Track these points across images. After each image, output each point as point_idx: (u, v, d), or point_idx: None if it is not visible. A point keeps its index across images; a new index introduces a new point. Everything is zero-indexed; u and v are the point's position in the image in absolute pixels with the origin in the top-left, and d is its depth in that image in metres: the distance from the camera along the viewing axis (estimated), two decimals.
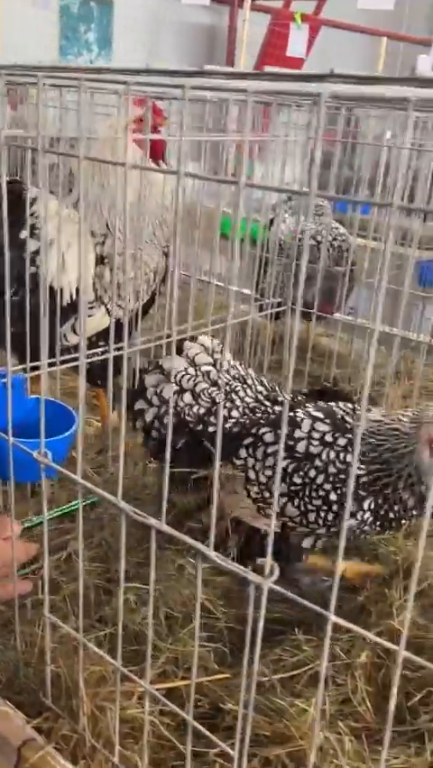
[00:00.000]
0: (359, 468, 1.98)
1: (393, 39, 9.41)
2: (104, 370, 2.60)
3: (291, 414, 2.05)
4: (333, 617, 1.11)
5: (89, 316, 2.67)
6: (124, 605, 2.09)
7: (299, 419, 2.03)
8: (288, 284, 3.32)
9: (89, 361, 2.57)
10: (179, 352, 2.27)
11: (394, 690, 1.06)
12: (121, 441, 1.34)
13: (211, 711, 1.82)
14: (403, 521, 2.07)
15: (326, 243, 3.64)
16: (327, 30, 10.20)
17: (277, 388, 2.25)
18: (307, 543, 2.15)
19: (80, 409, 1.48)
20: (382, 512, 2.03)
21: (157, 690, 1.63)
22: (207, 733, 1.34)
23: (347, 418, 2.07)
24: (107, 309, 2.68)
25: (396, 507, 2.01)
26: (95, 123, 3.09)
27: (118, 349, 2.51)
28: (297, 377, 3.58)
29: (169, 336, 2.62)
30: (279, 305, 3.18)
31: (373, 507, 2.00)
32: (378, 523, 2.05)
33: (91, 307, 2.68)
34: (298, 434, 2.01)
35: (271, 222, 3.96)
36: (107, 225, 2.67)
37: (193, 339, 2.30)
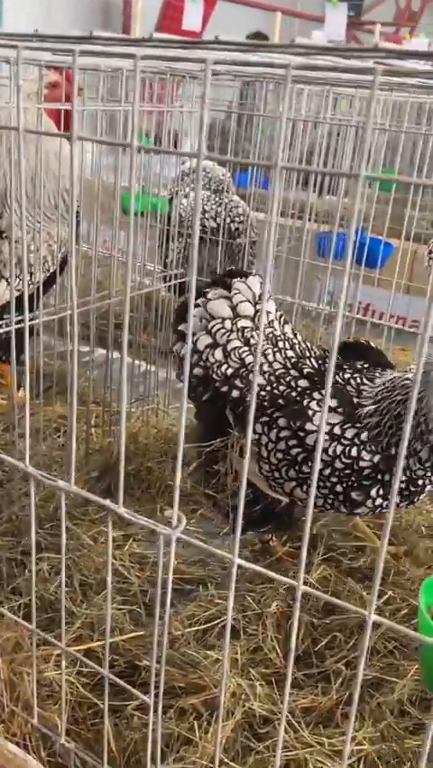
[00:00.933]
0: (365, 456, 1.98)
1: (288, 14, 9.50)
2: (7, 345, 2.56)
3: (304, 404, 2.05)
4: (237, 560, 1.18)
5: None
6: (38, 575, 2.11)
7: (310, 412, 2.03)
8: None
9: None
10: (227, 286, 2.19)
11: (295, 624, 1.13)
12: (26, 412, 1.36)
13: (128, 669, 1.88)
14: (421, 482, 2.02)
15: (223, 218, 3.69)
16: (223, 4, 10.20)
17: (308, 351, 2.20)
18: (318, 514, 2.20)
19: None
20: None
21: (74, 651, 1.67)
22: (124, 684, 1.39)
23: (363, 388, 2.07)
24: (8, 282, 2.65)
25: (411, 462, 1.98)
26: None
27: (20, 322, 2.48)
28: None
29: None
30: (181, 277, 3.22)
31: (382, 492, 2.00)
32: (396, 502, 2.02)
33: None
34: (309, 426, 2.02)
35: (173, 196, 3.98)
36: (3, 198, 2.62)
37: (245, 276, 2.21)
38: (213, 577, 2.28)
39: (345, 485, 2.01)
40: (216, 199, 3.98)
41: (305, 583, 2.16)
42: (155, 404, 3.10)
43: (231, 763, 1.63)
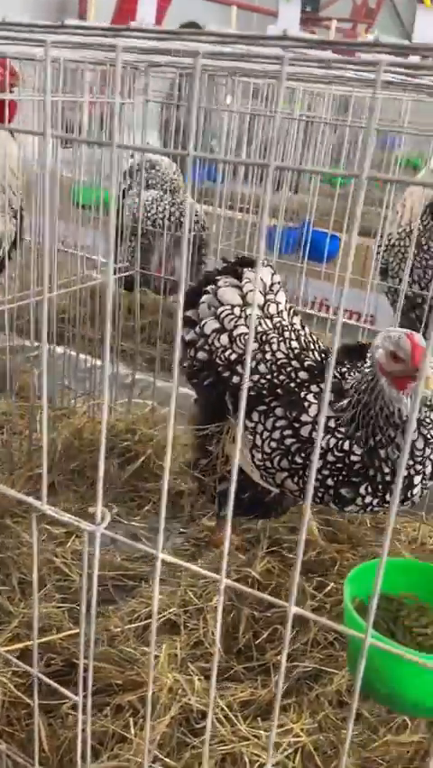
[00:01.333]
0: (357, 450, 1.95)
1: (244, 9, 9.49)
2: None
3: (302, 395, 2.04)
4: (161, 555, 1.16)
5: None
6: None
7: (306, 404, 2.02)
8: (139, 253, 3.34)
9: None
10: (238, 275, 2.20)
11: (219, 618, 1.12)
12: None
13: (66, 668, 1.85)
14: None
15: (167, 219, 3.68)
16: None
17: (312, 344, 2.19)
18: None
19: None
20: (383, 481, 1.96)
21: (6, 651, 1.64)
22: (53, 683, 1.37)
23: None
24: None
25: (389, 451, 1.94)
26: None
27: None
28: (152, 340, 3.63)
29: (11, 302, 2.56)
30: (126, 270, 3.20)
31: (371, 489, 1.97)
32: (384, 496, 1.99)
33: None
34: (304, 417, 2.01)
35: (126, 191, 3.95)
36: None
37: (255, 265, 2.17)
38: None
39: (335, 479, 1.99)
40: (170, 199, 3.96)
41: (249, 577, 2.19)
42: (101, 399, 3.06)
43: (166, 759, 1.61)
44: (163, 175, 3.99)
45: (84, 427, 2.82)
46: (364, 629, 0.94)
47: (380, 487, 1.95)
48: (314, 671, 1.92)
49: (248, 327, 2.16)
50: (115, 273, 3.19)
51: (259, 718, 1.77)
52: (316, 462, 0.88)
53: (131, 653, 1.85)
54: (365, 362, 2.03)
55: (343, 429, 1.98)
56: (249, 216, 3.76)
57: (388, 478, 1.95)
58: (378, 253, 3.52)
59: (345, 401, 2.01)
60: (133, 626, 1.99)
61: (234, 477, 1.06)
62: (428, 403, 1.92)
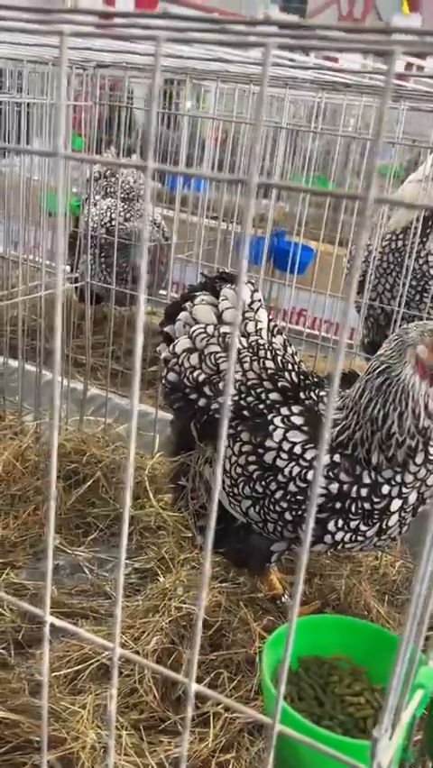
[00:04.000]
0: (321, 481, 1.79)
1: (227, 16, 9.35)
2: None
3: (269, 418, 1.89)
4: (49, 619, 1.01)
5: None
6: None
7: (272, 428, 1.87)
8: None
9: None
10: (215, 292, 2.07)
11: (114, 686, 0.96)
12: None
13: None
14: (386, 488, 1.79)
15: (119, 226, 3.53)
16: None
17: (292, 365, 2.03)
18: (277, 547, 1.99)
19: None
20: (359, 516, 1.80)
21: None
22: None
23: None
24: None
25: (373, 475, 1.79)
26: None
27: None
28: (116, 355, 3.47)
29: None
30: (76, 280, 3.05)
31: (342, 524, 1.81)
32: (363, 531, 1.83)
33: None
34: (269, 443, 1.86)
35: (81, 201, 3.81)
36: None
37: (236, 281, 2.04)
38: (95, 609, 2.11)
39: (293, 513, 1.85)
40: (126, 207, 3.81)
41: (192, 614, 2.03)
42: (49, 417, 2.90)
43: None
44: (123, 183, 3.84)
45: (28, 449, 2.65)
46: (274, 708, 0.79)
47: (355, 518, 1.80)
48: (257, 722, 1.76)
49: (220, 346, 2.01)
50: (72, 282, 3.05)
51: None
52: (314, 504, 0.73)
53: (51, 706, 1.68)
54: (349, 388, 1.90)
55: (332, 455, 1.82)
56: (217, 223, 3.61)
57: (368, 505, 1.78)
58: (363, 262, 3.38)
59: (342, 418, 1.85)
60: (62, 672, 1.82)
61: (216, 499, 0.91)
62: None
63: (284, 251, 3.72)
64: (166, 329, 2.13)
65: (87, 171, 3.80)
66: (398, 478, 1.79)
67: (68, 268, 3.44)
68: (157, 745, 1.67)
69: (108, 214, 3.78)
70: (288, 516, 1.87)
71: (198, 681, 1.87)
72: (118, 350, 3.61)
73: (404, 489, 1.79)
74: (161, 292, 3.80)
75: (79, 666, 1.85)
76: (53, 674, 1.79)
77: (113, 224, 3.73)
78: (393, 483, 1.79)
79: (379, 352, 1.82)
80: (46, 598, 0.99)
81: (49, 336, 2.93)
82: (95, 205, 3.69)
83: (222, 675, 1.87)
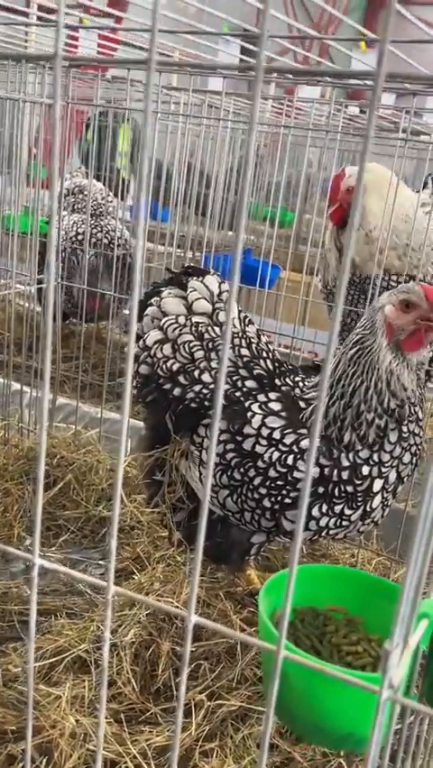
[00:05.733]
0: (300, 466, 1.78)
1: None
2: None
3: (246, 405, 1.87)
4: (37, 560, 0.97)
5: None
6: None
7: (250, 414, 1.85)
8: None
9: None
10: (182, 286, 2.03)
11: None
12: None
13: None
14: (366, 469, 1.77)
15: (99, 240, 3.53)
16: None
17: (266, 353, 2.01)
18: (257, 539, 1.95)
19: None
20: (343, 499, 1.78)
21: None
22: None
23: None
24: None
25: (352, 456, 1.77)
26: None
27: None
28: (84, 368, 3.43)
29: None
30: (39, 290, 3.02)
31: (326, 509, 1.78)
32: (347, 516, 1.80)
33: None
34: (247, 430, 1.83)
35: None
36: None
37: (202, 274, 2.04)
38: (69, 606, 2.04)
39: (272, 500, 1.82)
40: (93, 223, 3.81)
41: (171, 605, 1.97)
42: (17, 421, 2.83)
43: None
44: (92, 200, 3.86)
45: None
46: (276, 641, 0.76)
47: (339, 502, 1.78)
48: (240, 710, 1.71)
49: (193, 335, 1.99)
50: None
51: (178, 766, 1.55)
52: (306, 496, 0.71)
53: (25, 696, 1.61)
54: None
55: (302, 441, 1.80)
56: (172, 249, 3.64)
57: (351, 488, 1.77)
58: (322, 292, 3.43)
59: (310, 408, 1.84)
60: (37, 664, 1.75)
61: (208, 492, 0.88)
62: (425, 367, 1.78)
63: (252, 267, 3.76)
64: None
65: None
66: (375, 457, 1.78)
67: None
68: (138, 734, 1.61)
69: (75, 228, 3.78)
70: (266, 502, 1.84)
71: (177, 673, 1.81)
72: (86, 363, 3.57)
73: (383, 469, 1.79)
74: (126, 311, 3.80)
75: (54, 659, 1.78)
76: (27, 665, 1.71)
77: (78, 237, 3.74)
78: (372, 463, 1.78)
79: (358, 324, 1.83)
80: (36, 534, 0.95)
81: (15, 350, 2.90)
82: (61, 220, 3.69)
83: (202, 666, 1.81)
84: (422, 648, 0.96)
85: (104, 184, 4.26)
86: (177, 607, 1.92)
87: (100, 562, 2.32)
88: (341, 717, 1.19)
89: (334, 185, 3.00)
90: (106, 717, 1.61)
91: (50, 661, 1.77)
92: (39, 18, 2.18)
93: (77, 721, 1.54)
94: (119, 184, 4.49)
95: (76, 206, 3.97)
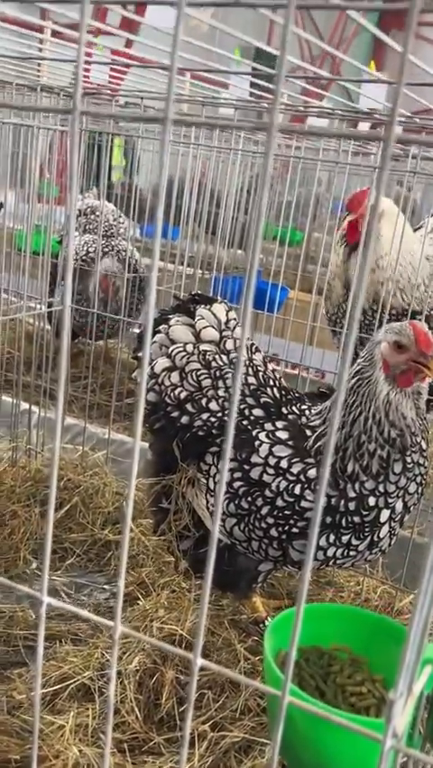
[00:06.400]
0: (308, 496, 1.80)
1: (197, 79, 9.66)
2: None
3: (253, 434, 1.88)
4: (46, 599, 0.98)
5: None
6: None
7: (257, 443, 1.86)
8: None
9: None
10: (189, 313, 2.05)
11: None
12: None
13: None
14: (372, 500, 1.78)
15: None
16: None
17: (273, 381, 2.03)
18: (264, 567, 1.96)
19: None
20: (350, 530, 1.79)
21: None
22: None
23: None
24: None
25: (356, 487, 1.78)
26: None
27: None
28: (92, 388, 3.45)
29: None
30: (49, 309, 3.05)
31: (333, 539, 1.80)
32: (354, 546, 1.81)
33: None
34: (255, 459, 1.85)
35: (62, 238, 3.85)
36: None
37: (210, 302, 2.06)
38: (73, 632, 2.04)
39: (280, 529, 1.83)
40: (103, 243, 3.85)
41: (174, 634, 1.97)
42: (26, 442, 2.84)
43: None
44: (97, 217, 3.90)
45: (4, 472, 2.60)
46: (281, 684, 0.77)
47: (347, 532, 1.79)
48: (244, 741, 1.70)
49: (201, 363, 2.01)
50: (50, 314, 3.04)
51: None
52: (317, 525, 0.72)
53: (30, 725, 1.61)
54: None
55: (309, 470, 1.81)
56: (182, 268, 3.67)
57: (358, 519, 1.78)
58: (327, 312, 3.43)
59: (319, 424, 1.86)
60: (42, 691, 1.75)
61: (218, 518, 0.89)
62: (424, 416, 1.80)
63: (260, 290, 3.78)
64: (140, 354, 2.13)
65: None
66: (381, 488, 1.79)
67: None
68: (141, 765, 1.61)
69: (85, 248, 3.82)
70: (273, 532, 1.85)
71: (181, 702, 1.81)
72: (94, 383, 3.60)
73: (389, 500, 1.79)
74: (135, 330, 3.82)
75: (58, 686, 1.78)
76: (32, 693, 1.71)
77: (89, 256, 3.77)
78: (378, 494, 1.79)
79: (360, 355, 1.85)
80: (44, 574, 0.96)
81: (25, 370, 2.92)
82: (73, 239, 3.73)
83: (206, 695, 1.81)
84: (426, 692, 0.96)
85: (114, 204, 4.31)
86: (181, 635, 1.92)
87: (105, 586, 2.32)
88: (346, 761, 1.19)
89: (356, 198, 2.93)
90: (109, 747, 1.61)
91: (54, 688, 1.77)
92: (53, 33, 2.21)
93: (80, 751, 1.54)
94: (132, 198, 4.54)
95: (87, 227, 4.01)
